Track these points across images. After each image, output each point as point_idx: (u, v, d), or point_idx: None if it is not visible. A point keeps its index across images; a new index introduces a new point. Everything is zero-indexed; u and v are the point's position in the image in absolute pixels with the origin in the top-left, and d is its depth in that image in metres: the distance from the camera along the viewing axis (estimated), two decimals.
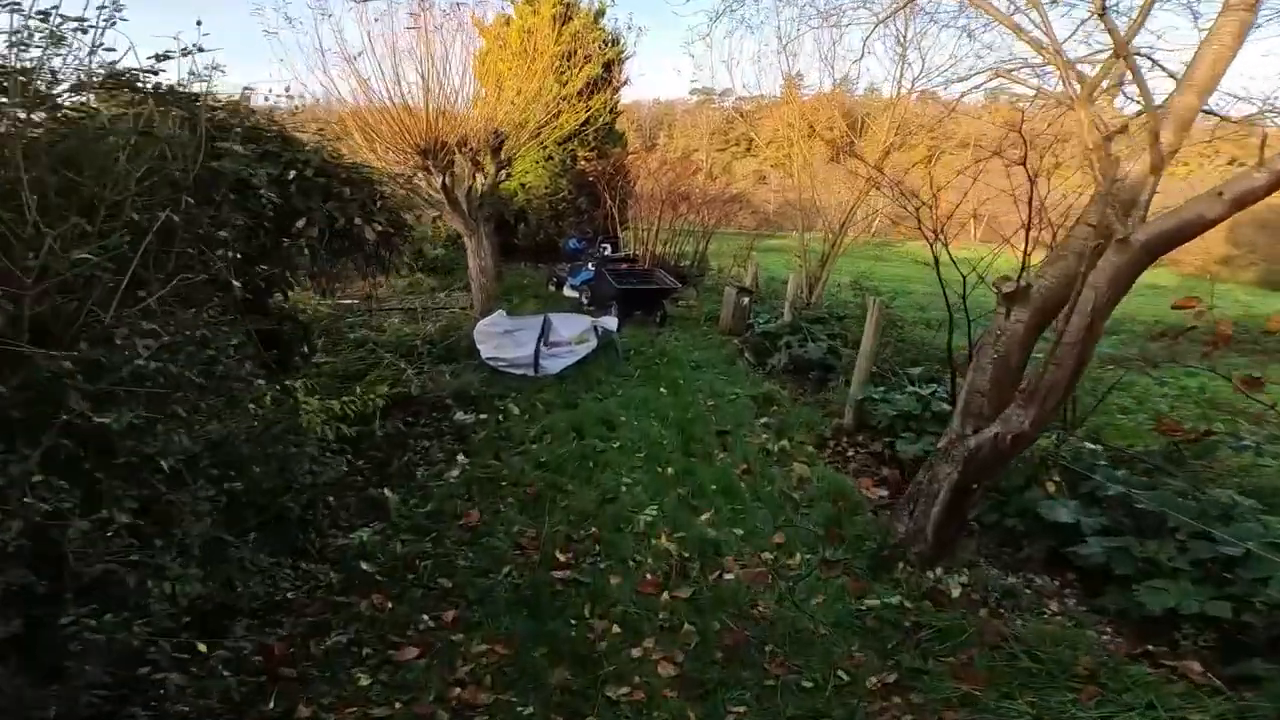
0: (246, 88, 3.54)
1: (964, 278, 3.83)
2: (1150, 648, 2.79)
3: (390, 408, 5.32)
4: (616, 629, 2.94)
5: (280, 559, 3.21)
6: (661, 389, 5.86)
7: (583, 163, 11.44)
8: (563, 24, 10.36)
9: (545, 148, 11.91)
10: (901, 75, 7.49)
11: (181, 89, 2.61)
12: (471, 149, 6.29)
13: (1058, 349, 2.52)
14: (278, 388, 3.25)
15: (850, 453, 4.99)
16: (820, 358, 6.10)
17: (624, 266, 8.90)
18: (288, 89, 4.34)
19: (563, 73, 9.87)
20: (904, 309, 8.18)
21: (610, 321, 6.55)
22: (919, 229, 4.02)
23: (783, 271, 15.70)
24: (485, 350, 6.05)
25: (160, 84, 2.60)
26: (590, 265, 9.21)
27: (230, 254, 2.36)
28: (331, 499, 3.80)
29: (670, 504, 3.95)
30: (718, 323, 8.70)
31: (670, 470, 4.35)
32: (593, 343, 6.35)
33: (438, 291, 9.81)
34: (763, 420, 5.37)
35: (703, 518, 3.84)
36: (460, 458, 4.55)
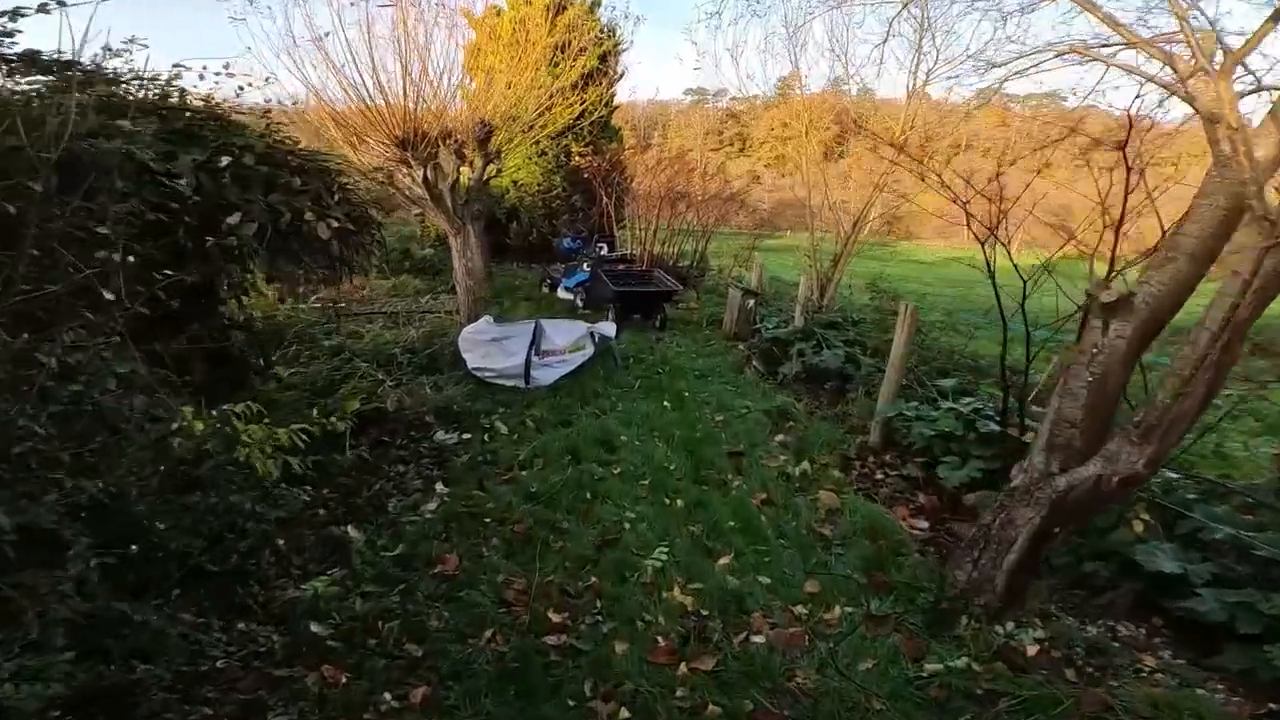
0: (176, 65, 2.94)
1: (1025, 282, 3.28)
2: (1273, 706, 2.38)
3: (364, 425, 4.75)
4: (625, 713, 2.37)
5: (210, 619, 2.64)
6: (665, 402, 5.28)
7: (577, 159, 10.85)
8: (556, 14, 9.76)
9: (538, 143, 11.31)
10: (918, 65, 6.95)
11: (58, 58, 2.01)
12: (456, 141, 5.69)
13: (1183, 372, 1.96)
14: (215, 414, 2.65)
15: (879, 475, 4.43)
16: (838, 367, 5.55)
17: (621, 267, 8.32)
18: (256, 85, 3.73)
19: (556, 65, 9.29)
20: (924, 312, 7.57)
21: (608, 328, 5.98)
22: (968, 227, 3.46)
23: (786, 272, 15.21)
24: (471, 360, 5.45)
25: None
26: (586, 266, 8.63)
27: (115, 256, 1.76)
28: (282, 541, 3.22)
29: (682, 545, 3.38)
30: (720, 326, 8.14)
31: (679, 502, 3.78)
32: (589, 350, 5.77)
33: (424, 294, 9.19)
34: (779, 439, 4.80)
35: (721, 563, 3.27)
36: (439, 487, 3.96)
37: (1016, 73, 5.68)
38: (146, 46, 2.88)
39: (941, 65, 6.85)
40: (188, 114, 2.75)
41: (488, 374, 5.44)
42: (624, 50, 11.45)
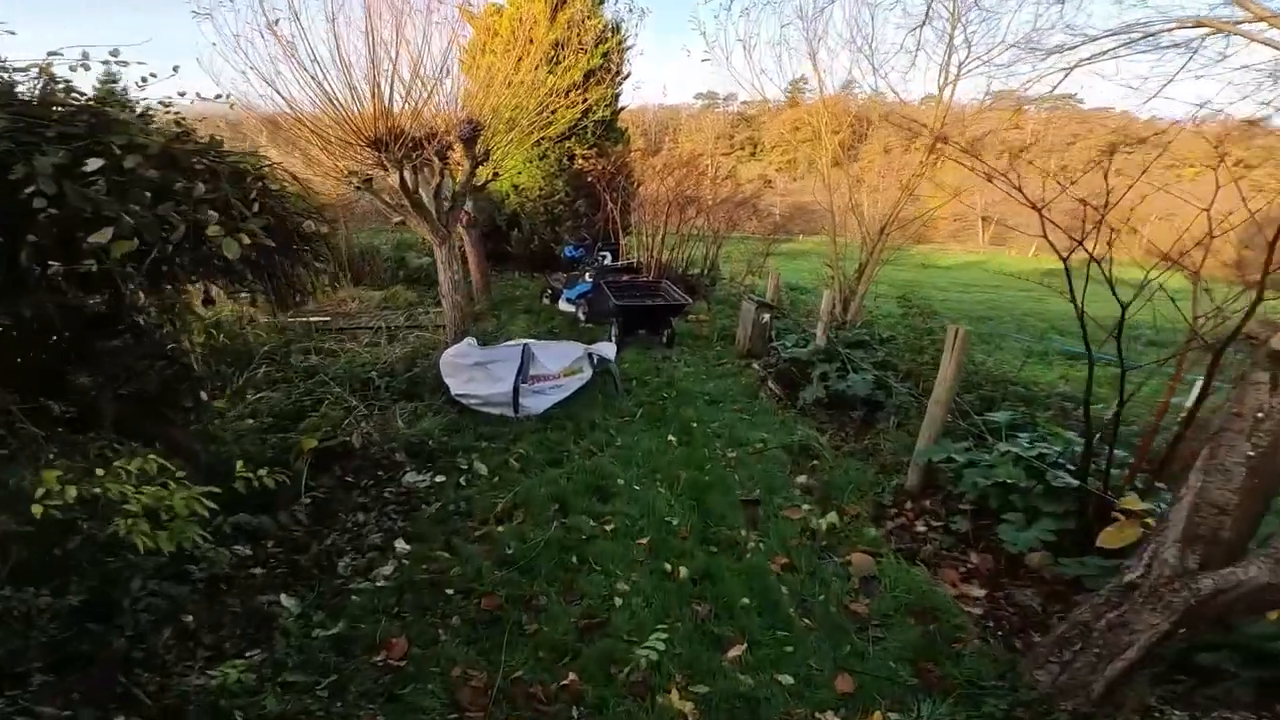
0: (51, 53, 2.38)
1: (1123, 307, 2.62)
2: None
3: (328, 462, 4.20)
4: None
5: (79, 713, 2.08)
6: (670, 436, 4.65)
7: (580, 161, 10.27)
8: (558, 9, 9.22)
9: (539, 145, 10.76)
10: (949, 58, 6.29)
11: None
12: (441, 142, 5.12)
13: None
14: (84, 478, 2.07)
15: (920, 528, 3.76)
16: (867, 394, 4.88)
17: (625, 278, 7.71)
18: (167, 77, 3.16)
19: (557, 63, 8.75)
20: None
21: (607, 348, 5.36)
22: (1044, 238, 2.80)
23: (800, 277, 14.53)
24: (454, 385, 4.87)
25: None
26: (588, 276, 8.03)
27: None
28: (191, 616, 2.65)
29: (684, 630, 2.75)
30: (734, 342, 7.50)
31: (683, 570, 3.14)
32: (586, 374, 5.16)
33: (417, 307, 8.65)
34: (800, 481, 4.15)
35: (732, 654, 2.64)
36: (400, 544, 3.37)
37: (1083, 60, 5.00)
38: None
39: (973, 60, 6.18)
40: (57, 109, 2.17)
41: (472, 401, 4.86)
42: (629, 47, 10.88)
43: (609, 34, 10.43)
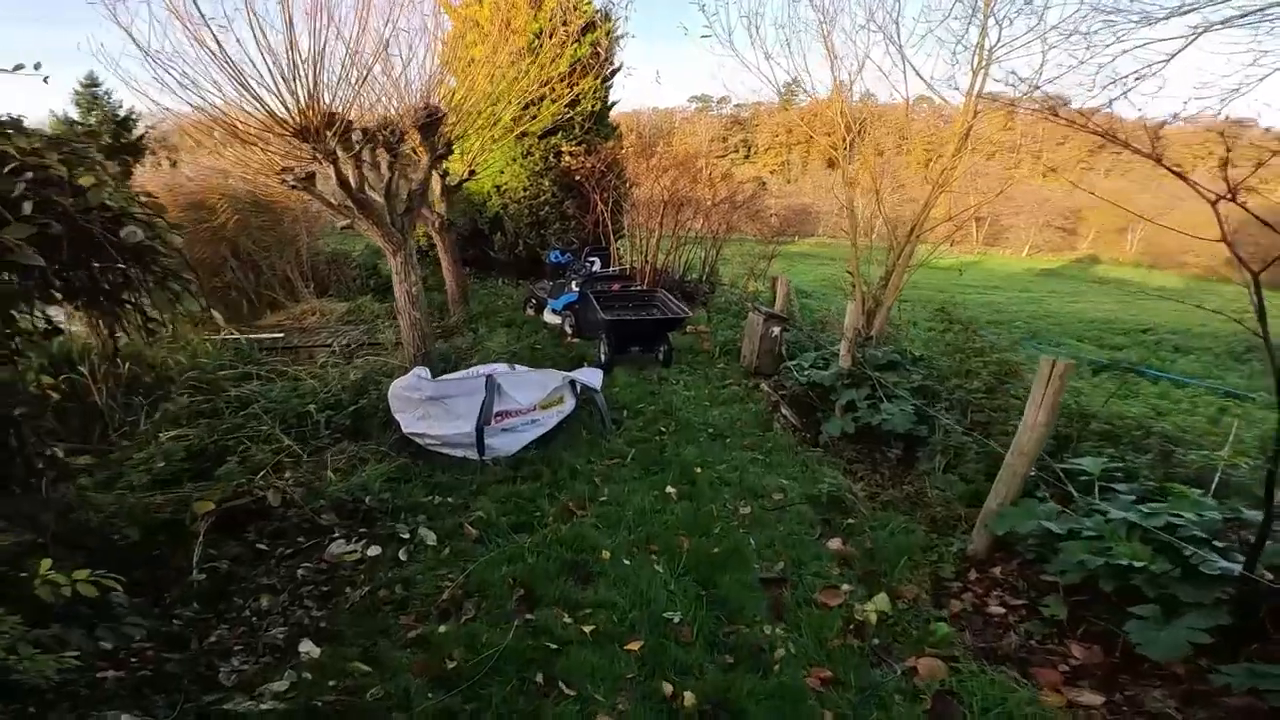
0: None
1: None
2: None
3: (239, 522, 3.36)
4: None
5: None
6: (668, 486, 3.79)
7: (568, 159, 9.44)
8: None
9: (523, 141, 9.94)
10: (983, 39, 5.48)
11: None
12: (394, 132, 4.28)
13: None
14: None
15: (994, 606, 2.93)
16: (908, 428, 4.04)
17: (616, 287, 6.87)
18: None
19: (540, 53, 7.96)
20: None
21: (593, 376, 4.52)
22: (1228, 246, 1.98)
23: (804, 283, 13.74)
24: (406, 422, 4.01)
25: None
26: (575, 285, 7.19)
27: None
28: None
29: None
30: (739, 358, 6.67)
31: (688, 695, 2.29)
32: (568, 405, 4.32)
33: (383, 320, 7.78)
34: (834, 547, 3.31)
35: None
36: (307, 645, 2.53)
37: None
38: None
39: (1003, 46, 5.37)
40: None
41: (428, 442, 4.00)
42: (620, 36, 10.06)
43: (598, 22, 9.62)
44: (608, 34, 9.64)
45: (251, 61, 3.49)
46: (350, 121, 3.85)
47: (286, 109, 3.66)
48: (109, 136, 20.20)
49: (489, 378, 3.83)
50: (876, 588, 2.95)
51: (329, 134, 3.69)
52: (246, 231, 7.94)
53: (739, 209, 10.55)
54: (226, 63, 3.50)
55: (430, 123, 4.43)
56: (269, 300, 8.40)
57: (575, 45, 8.82)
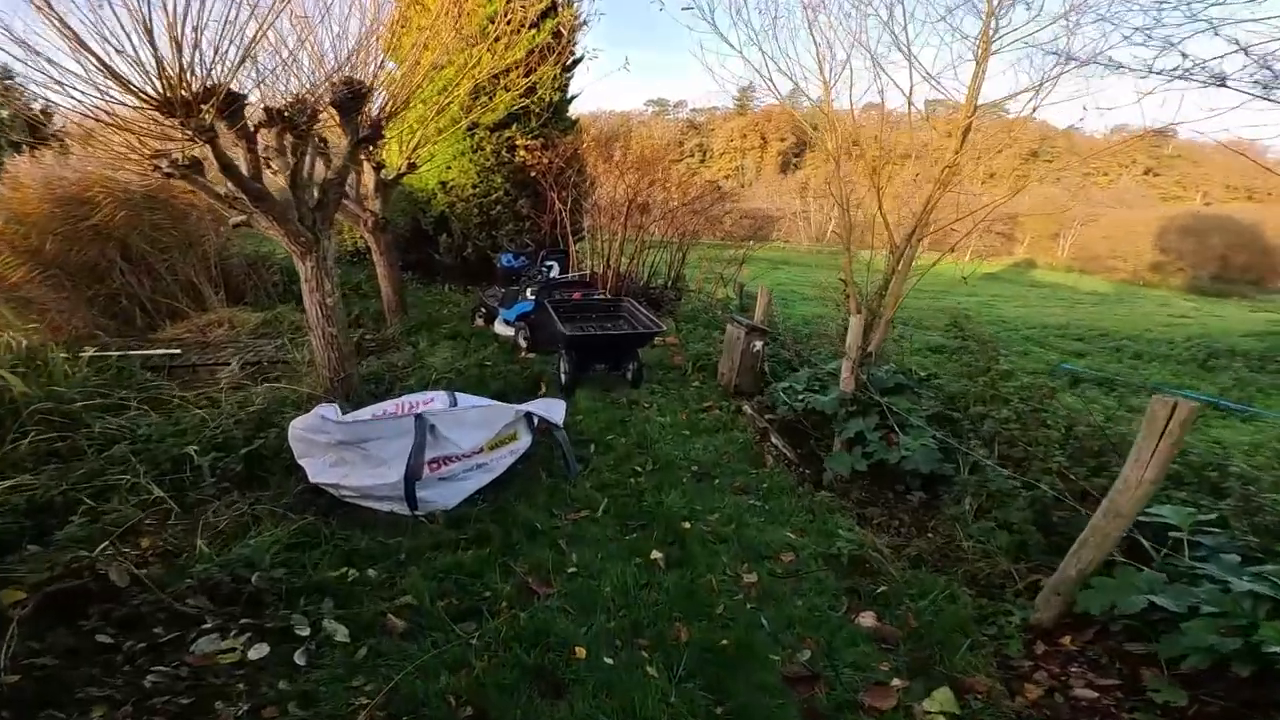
0: None
1: None
2: None
3: (78, 605, 2.53)
4: None
5: None
6: (652, 548, 3.08)
7: (523, 153, 8.66)
8: None
9: (474, 134, 9.12)
10: (985, 41, 5.05)
11: None
12: (303, 109, 3.45)
13: None
14: None
15: (1080, 689, 2.34)
16: (932, 467, 3.47)
17: (577, 296, 6.13)
18: None
19: (496, 39, 7.23)
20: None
21: (554, 409, 3.77)
22: None
23: (774, 289, 13.30)
24: (314, 469, 3.18)
25: None
26: (530, 293, 6.42)
27: None
28: None
29: None
30: (715, 375, 6.04)
31: None
32: (523, 442, 3.56)
33: (303, 334, 6.82)
34: (867, 623, 2.67)
35: None
36: None
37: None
38: None
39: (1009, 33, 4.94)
40: None
41: (344, 493, 3.18)
42: (583, 23, 9.37)
43: (560, 5, 8.90)
44: (571, 20, 8.93)
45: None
46: (237, 94, 3.01)
47: (147, 74, 2.80)
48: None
49: (418, 418, 3.03)
50: (934, 678, 2.32)
51: (205, 108, 2.85)
52: (138, 230, 6.84)
53: (705, 212, 9.99)
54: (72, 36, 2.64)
55: (351, 100, 3.62)
56: (169, 309, 7.29)
57: (534, 31, 8.09)
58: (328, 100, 3.71)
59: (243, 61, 2.98)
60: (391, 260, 6.96)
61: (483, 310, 7.60)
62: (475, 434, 3.20)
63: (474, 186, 9.28)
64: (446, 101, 6.86)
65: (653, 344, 6.75)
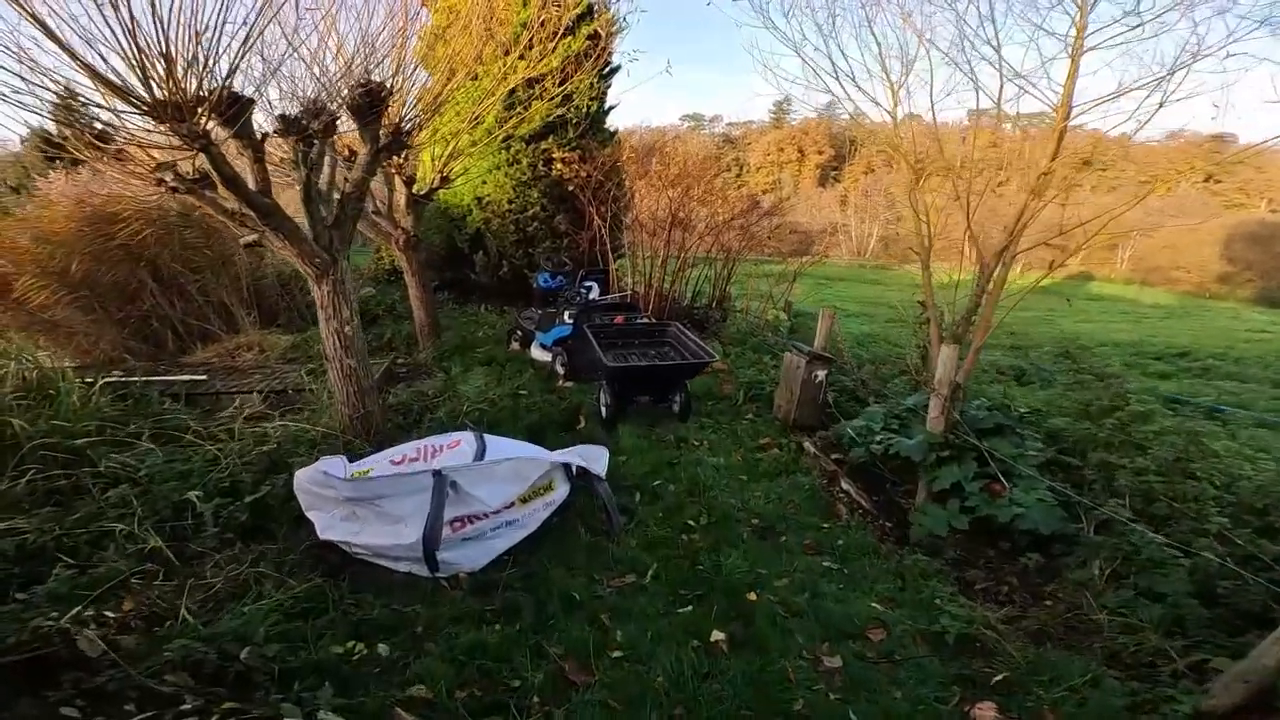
0: None
1: None
2: None
3: (53, 670, 2.24)
4: None
5: None
6: (711, 626, 2.62)
7: (560, 166, 8.42)
8: None
9: (509, 147, 8.93)
10: (1079, 37, 4.52)
11: None
12: (321, 114, 3.20)
13: None
14: None
15: None
16: (1055, 527, 2.94)
17: (618, 320, 5.75)
18: None
19: (531, 47, 7.05)
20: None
21: (594, 456, 3.36)
22: None
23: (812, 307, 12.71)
24: (323, 523, 2.85)
25: None
26: (567, 316, 6.08)
27: None
28: None
29: None
30: (770, 406, 5.56)
31: None
32: (559, 493, 3.17)
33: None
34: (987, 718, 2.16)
35: None
36: None
37: None
38: None
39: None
40: None
41: (357, 551, 2.84)
42: (620, 30, 9.13)
43: (596, 10, 8.69)
44: (608, 25, 8.70)
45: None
46: (238, 96, 2.75)
47: (144, 74, 2.56)
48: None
49: (437, 475, 2.66)
50: None
51: (200, 111, 2.59)
52: (169, 248, 6.80)
53: (751, 227, 9.55)
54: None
55: (369, 104, 3.35)
56: (200, 331, 7.23)
57: (569, 38, 7.88)
58: (342, 105, 3.44)
59: (241, 59, 2.72)
60: (424, 280, 6.74)
61: (518, 334, 7.30)
62: (505, 489, 2.82)
63: (510, 202, 9.07)
64: (478, 111, 6.65)
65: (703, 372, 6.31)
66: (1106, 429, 3.27)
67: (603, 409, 4.79)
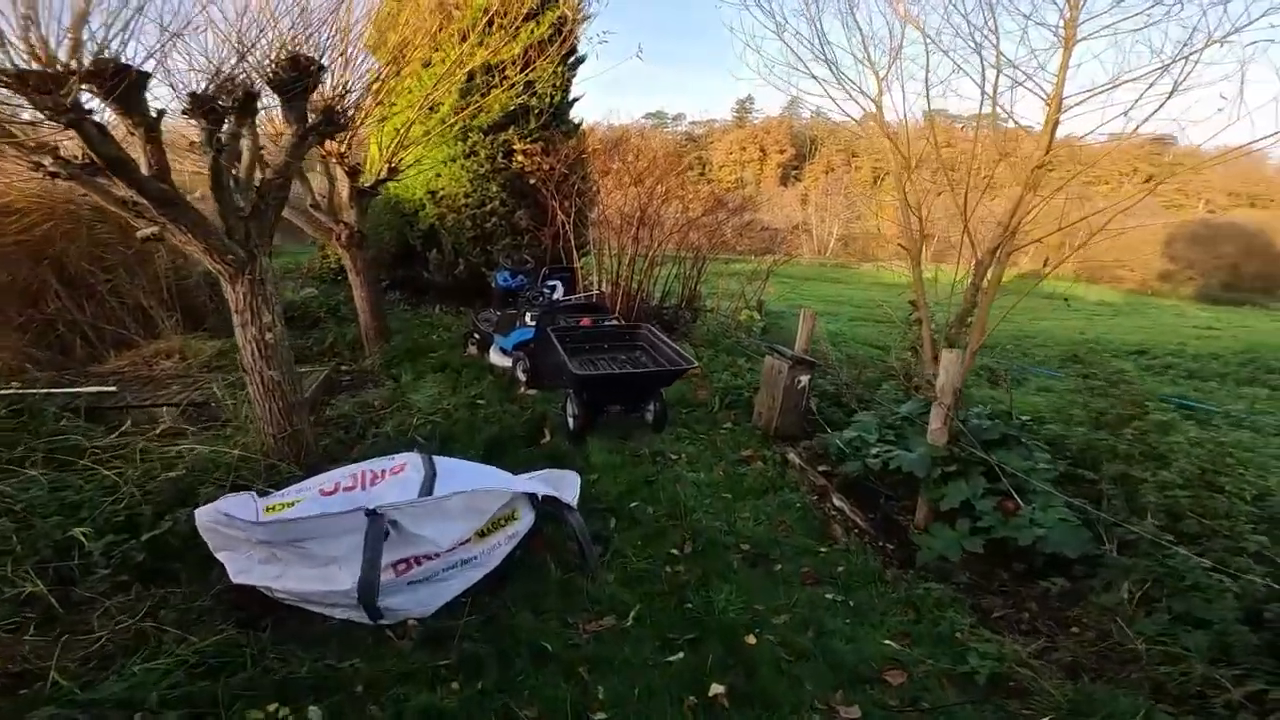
0: None
1: None
2: None
3: None
4: None
5: None
6: (708, 677, 2.28)
7: (521, 158, 7.99)
8: None
9: (467, 138, 8.47)
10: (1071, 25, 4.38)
11: None
12: (232, 90, 2.75)
13: None
14: None
15: None
16: (1083, 549, 2.70)
17: (585, 323, 5.37)
18: None
19: (492, 32, 6.68)
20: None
21: (565, 483, 2.97)
22: None
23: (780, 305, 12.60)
24: (236, 568, 2.40)
25: None
26: (529, 317, 5.67)
27: None
28: None
29: None
30: (748, 412, 5.28)
31: None
32: (523, 522, 2.77)
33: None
34: None
35: None
36: None
37: None
38: None
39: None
40: None
41: (280, 596, 2.40)
42: (586, 18, 8.77)
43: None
44: (575, 11, 8.33)
45: None
46: (128, 67, 2.30)
47: None
48: None
49: (373, 516, 2.23)
50: None
51: (72, 82, 2.13)
52: (76, 244, 6.13)
53: (722, 225, 9.30)
54: None
55: (296, 80, 2.90)
56: (114, 338, 6.55)
57: (533, 23, 7.48)
58: (262, 79, 2.98)
59: (132, 24, 2.27)
60: (370, 280, 6.25)
61: (475, 337, 6.86)
62: (457, 526, 2.42)
63: (467, 196, 8.59)
64: (430, 94, 6.20)
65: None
66: (1125, 439, 3.06)
67: (570, 420, 4.41)
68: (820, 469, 4.33)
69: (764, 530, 3.37)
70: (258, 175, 3.04)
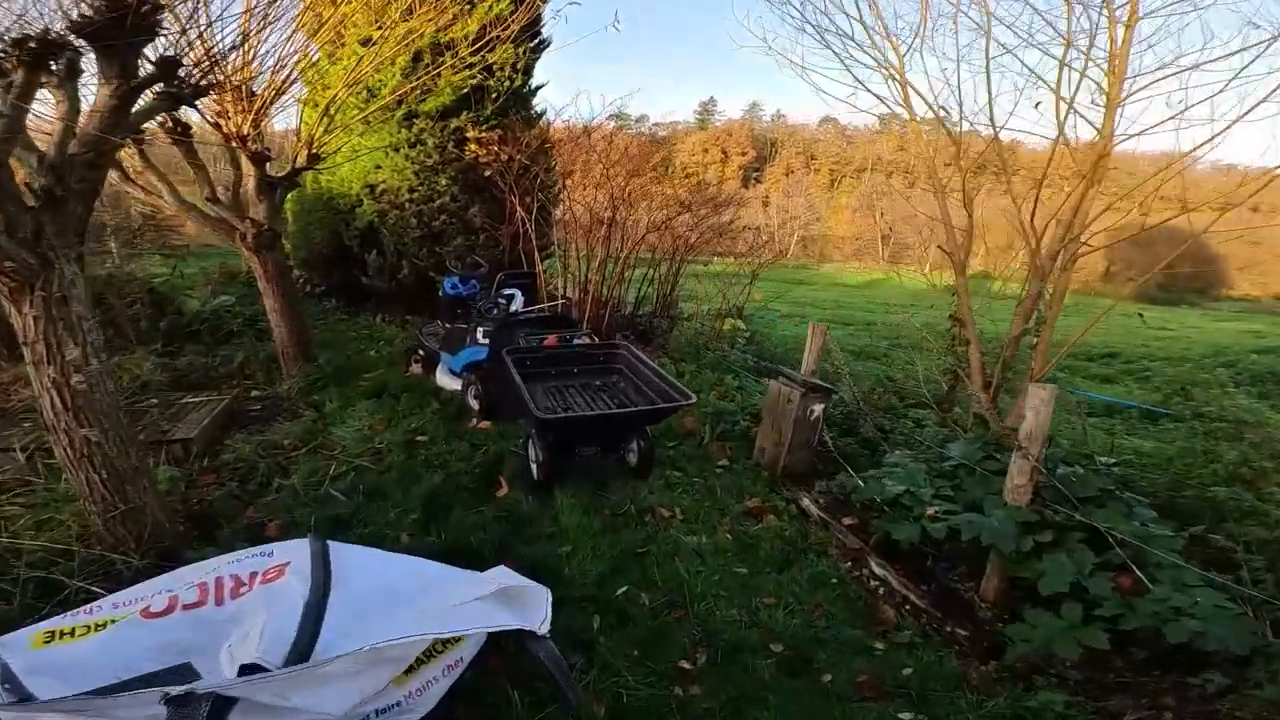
0: None
1: None
2: None
3: None
4: None
5: None
6: None
7: (475, 147, 7.15)
8: None
9: (412, 124, 7.59)
10: None
11: None
12: (31, 46, 1.91)
13: None
14: None
15: None
16: (1249, 644, 2.04)
17: (550, 342, 4.55)
18: None
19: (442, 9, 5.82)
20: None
21: (527, 604, 2.07)
22: None
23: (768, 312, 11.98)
24: (50, 696, 1.51)
25: None
26: (481, 334, 4.84)
27: None
28: None
29: None
30: (751, 448, 4.56)
31: None
32: (467, 650, 1.96)
33: (146, 391, 5.13)
34: None
35: None
36: None
37: None
38: None
39: None
40: None
41: None
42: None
43: None
44: None
45: None
46: None
47: None
48: None
49: (184, 703, 1.36)
50: None
51: None
52: None
53: (702, 223, 8.60)
54: None
55: (115, 21, 2.06)
56: None
57: (489, 2, 6.69)
58: (65, 22, 2.12)
59: None
60: (285, 288, 5.33)
61: (420, 354, 5.99)
62: (356, 685, 1.59)
63: (412, 190, 7.70)
64: (359, 69, 5.33)
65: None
66: (1275, 499, 2.44)
67: (533, 466, 3.59)
68: (845, 521, 3.62)
69: (798, 621, 2.61)
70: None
